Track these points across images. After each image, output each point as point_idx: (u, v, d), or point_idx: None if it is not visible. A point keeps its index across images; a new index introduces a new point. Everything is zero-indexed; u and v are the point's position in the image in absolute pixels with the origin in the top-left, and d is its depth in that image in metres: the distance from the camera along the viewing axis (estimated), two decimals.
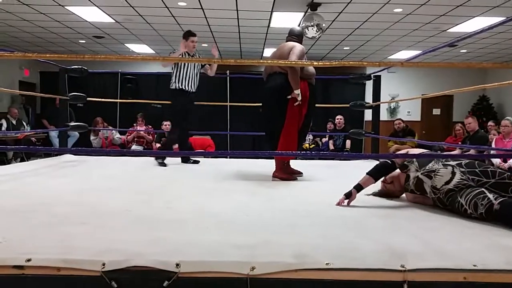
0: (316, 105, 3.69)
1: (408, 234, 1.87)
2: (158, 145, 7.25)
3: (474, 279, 1.48)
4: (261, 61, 3.17)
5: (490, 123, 6.40)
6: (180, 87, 4.33)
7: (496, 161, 4.74)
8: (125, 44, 10.01)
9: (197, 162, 4.41)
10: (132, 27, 8.29)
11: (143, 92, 9.24)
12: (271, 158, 5.16)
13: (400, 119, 7.41)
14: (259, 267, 1.47)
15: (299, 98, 3.29)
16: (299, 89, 3.30)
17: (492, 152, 4.53)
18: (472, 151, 4.76)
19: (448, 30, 8.07)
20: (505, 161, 4.65)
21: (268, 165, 3.94)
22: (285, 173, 3.48)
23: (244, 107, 6.29)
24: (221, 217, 2.14)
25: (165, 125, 7.09)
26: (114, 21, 7.82)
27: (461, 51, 10.03)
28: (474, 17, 7.13)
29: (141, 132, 7.32)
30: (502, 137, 4.91)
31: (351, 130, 5.18)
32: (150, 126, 7.50)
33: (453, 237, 1.85)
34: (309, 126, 3.70)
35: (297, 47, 3.44)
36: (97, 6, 6.91)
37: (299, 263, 1.50)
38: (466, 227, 2.01)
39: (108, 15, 7.42)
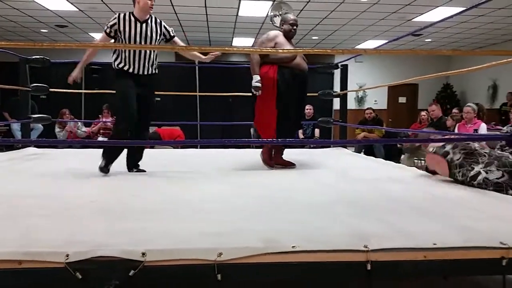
0: None
1: (373, 217, 1.92)
2: None
3: (434, 257, 1.54)
4: (218, 48, 3.14)
5: (455, 110, 6.61)
6: (122, 67, 3.17)
7: None
8: (89, 34, 9.73)
9: (143, 171, 3.31)
10: (97, 15, 8.05)
11: (109, 82, 9.01)
12: (242, 146, 5.19)
13: (370, 108, 7.55)
14: (226, 252, 1.48)
15: (254, 85, 3.35)
16: (257, 75, 3.35)
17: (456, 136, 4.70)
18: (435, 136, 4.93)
19: (413, 20, 8.26)
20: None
21: (239, 154, 3.96)
22: (269, 159, 3.51)
23: (214, 97, 6.25)
24: (190, 206, 2.14)
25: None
26: (77, 9, 7.58)
27: (426, 40, 10.30)
28: (437, 7, 7.33)
29: (107, 123, 7.15)
30: (465, 123, 5.09)
31: (320, 119, 5.24)
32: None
33: (415, 218, 1.91)
34: (290, 109, 3.46)
35: (265, 35, 3.50)
36: None
37: (266, 247, 1.51)
38: (428, 209, 2.08)
39: (71, 3, 7.18)
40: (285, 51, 3.02)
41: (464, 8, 7.29)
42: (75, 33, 9.65)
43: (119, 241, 1.56)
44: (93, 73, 9.30)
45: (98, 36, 9.89)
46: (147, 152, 4.51)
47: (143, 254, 1.46)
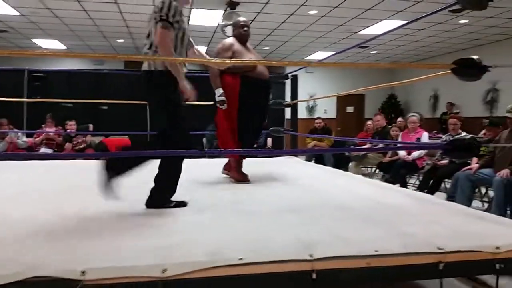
0: None
1: (319, 226, 1.95)
2: (69, 145, 6.75)
3: (376, 263, 1.59)
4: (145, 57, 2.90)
5: (400, 119, 6.90)
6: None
7: (402, 153, 5.15)
8: (32, 40, 9.28)
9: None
10: (40, 20, 7.70)
11: (54, 91, 8.61)
12: (196, 157, 5.10)
13: (319, 117, 7.73)
14: (171, 268, 1.45)
15: (218, 99, 3.24)
16: (220, 88, 3.24)
17: (399, 145, 4.92)
18: (380, 145, 5.14)
19: (359, 32, 8.59)
20: (409, 154, 5.07)
21: (192, 164, 3.89)
22: (240, 174, 3.38)
23: None
24: (135, 220, 2.08)
25: (70, 125, 6.69)
26: (19, 13, 7.21)
27: (372, 52, 10.75)
28: (382, 20, 7.67)
29: (50, 134, 6.81)
30: (408, 132, 5.33)
31: (271, 128, 5.29)
32: (61, 127, 7.01)
33: (359, 226, 1.96)
34: (253, 120, 3.36)
35: (220, 44, 3.41)
36: None
37: (212, 261, 1.49)
38: (370, 217, 2.15)
39: (12, 7, 6.82)
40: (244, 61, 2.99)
41: (405, 22, 7.67)
42: (16, 38, 9.18)
43: (58, 259, 1.48)
44: (35, 81, 8.85)
45: (42, 42, 9.53)
46: (93, 163, 4.34)
47: (83, 272, 1.40)
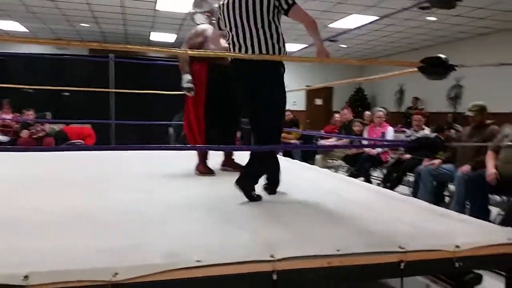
0: None
1: (279, 223, 1.91)
2: (26, 133, 6.41)
3: (338, 263, 1.56)
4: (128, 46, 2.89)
5: (367, 112, 6.94)
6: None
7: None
8: None
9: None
10: None
11: (13, 76, 8.19)
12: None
13: (288, 109, 7.70)
14: (123, 272, 1.36)
15: (185, 85, 3.14)
16: (188, 74, 3.14)
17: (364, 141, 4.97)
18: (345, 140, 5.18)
19: (329, 26, 8.59)
20: (373, 148, 5.13)
21: (156, 156, 3.77)
22: (203, 167, 3.28)
23: (130, 95, 5.94)
24: (86, 218, 1.95)
25: (28, 114, 6.36)
26: None
27: (341, 45, 10.79)
28: (351, 14, 7.69)
29: (7, 120, 6.47)
30: (374, 126, 5.38)
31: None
32: (18, 114, 6.67)
33: (321, 223, 1.93)
34: (222, 111, 3.24)
35: (192, 30, 3.30)
36: None
37: (168, 264, 1.42)
38: (333, 214, 2.12)
39: None
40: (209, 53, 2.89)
41: (376, 18, 7.74)
42: None
43: None
44: None
45: (1, 23, 9.03)
46: (52, 153, 4.11)
47: (25, 277, 1.29)
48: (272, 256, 1.50)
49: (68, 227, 1.80)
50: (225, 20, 2.42)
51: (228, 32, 2.44)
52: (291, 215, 2.07)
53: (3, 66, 8.31)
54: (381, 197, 2.55)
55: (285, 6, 2.32)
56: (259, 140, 2.46)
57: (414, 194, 3.91)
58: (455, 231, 1.86)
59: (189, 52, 3.15)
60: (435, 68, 2.19)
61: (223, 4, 2.44)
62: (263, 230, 1.79)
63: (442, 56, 2.19)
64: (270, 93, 2.35)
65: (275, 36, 2.34)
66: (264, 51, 2.32)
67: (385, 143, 4.25)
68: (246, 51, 2.34)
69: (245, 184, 2.35)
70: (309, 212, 2.14)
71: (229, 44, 2.48)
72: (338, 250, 1.57)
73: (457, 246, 1.68)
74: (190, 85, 3.13)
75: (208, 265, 1.44)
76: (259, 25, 2.31)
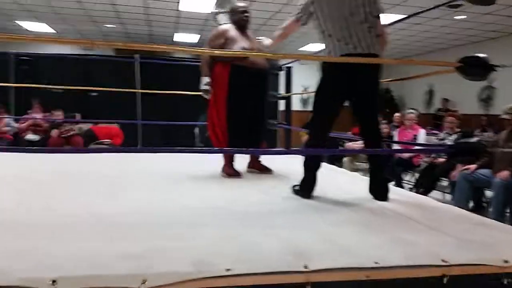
0: None
1: (311, 230, 1.82)
2: (56, 132, 6.53)
3: (376, 276, 1.46)
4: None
5: (397, 114, 6.74)
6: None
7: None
8: (16, 21, 8.96)
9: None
10: (25, 1, 7.41)
11: (42, 76, 8.36)
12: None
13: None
14: (152, 279, 1.30)
15: (202, 88, 3.11)
16: (206, 77, 3.11)
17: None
18: None
19: None
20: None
21: (183, 158, 3.72)
22: (229, 169, 3.23)
23: (156, 95, 5.97)
24: (112, 220, 1.91)
25: (56, 115, 6.46)
26: None
27: None
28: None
29: (38, 119, 6.60)
30: (405, 128, 5.22)
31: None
32: (48, 114, 6.79)
33: (355, 233, 1.83)
34: (245, 114, 3.17)
35: (214, 30, 3.25)
36: None
37: (197, 272, 1.35)
38: (368, 222, 2.02)
39: None
40: (229, 53, 2.85)
41: (403, 16, 7.55)
42: None
43: (21, 266, 1.33)
44: (23, 65, 8.57)
45: (27, 25, 9.21)
46: (77, 154, 4.13)
47: (54, 282, 1.25)
48: (305, 267, 1.41)
49: (94, 230, 1.77)
50: (326, 15, 2.37)
51: (332, 28, 2.38)
52: (323, 222, 1.98)
53: (32, 67, 8.50)
54: (416, 203, 2.42)
55: (377, 13, 2.41)
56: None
57: (453, 201, 3.75)
58: (502, 243, 1.73)
59: (213, 52, 3.10)
60: (474, 68, 2.07)
61: None
62: (294, 238, 1.71)
63: (482, 55, 2.07)
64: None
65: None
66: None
67: (420, 147, 4.09)
68: (367, 48, 2.35)
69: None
70: (342, 220, 2.04)
71: (332, 40, 2.40)
72: (376, 263, 1.47)
73: (506, 261, 1.55)
74: (207, 87, 3.09)
75: (238, 274, 1.37)
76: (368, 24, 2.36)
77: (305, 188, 2.47)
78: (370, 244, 1.65)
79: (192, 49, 2.05)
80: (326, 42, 2.42)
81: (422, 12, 2.55)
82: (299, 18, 2.50)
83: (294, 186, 2.55)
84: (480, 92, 9.21)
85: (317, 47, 10.56)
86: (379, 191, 2.44)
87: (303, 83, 11.27)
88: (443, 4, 2.30)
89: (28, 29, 9.58)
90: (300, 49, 11.07)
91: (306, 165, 2.48)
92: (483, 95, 9.18)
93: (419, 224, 2.00)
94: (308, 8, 2.43)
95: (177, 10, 7.74)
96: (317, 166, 2.49)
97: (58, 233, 1.70)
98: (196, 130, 7.08)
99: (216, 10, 6.32)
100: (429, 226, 1.96)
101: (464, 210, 2.38)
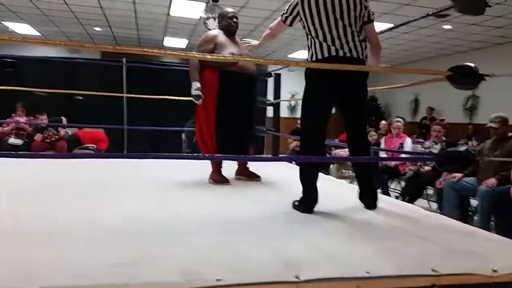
0: None
1: (301, 239, 1.80)
2: (39, 136, 6.40)
3: (368, 286, 1.45)
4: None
5: (383, 122, 6.79)
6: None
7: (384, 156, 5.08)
8: (2, 22, 8.82)
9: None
10: (11, 2, 7.30)
11: (26, 79, 8.22)
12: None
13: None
14: None
15: (194, 93, 3.06)
16: (197, 82, 3.07)
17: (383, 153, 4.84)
18: None
19: None
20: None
21: (171, 164, 3.67)
22: (217, 176, 3.19)
23: (143, 99, 5.91)
24: (100, 227, 1.87)
25: (41, 119, 6.34)
26: None
27: None
28: None
29: (21, 123, 6.46)
30: (391, 137, 5.25)
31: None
32: (32, 117, 6.66)
33: (346, 242, 1.82)
34: (235, 119, 3.15)
35: (203, 35, 3.23)
36: None
37: (186, 282, 1.32)
38: (358, 231, 2.01)
39: None
40: (220, 58, 2.83)
41: (391, 25, 7.63)
42: None
43: (6, 274, 1.29)
44: (6, 67, 8.42)
45: (14, 26, 9.08)
46: (62, 160, 4.06)
47: None
48: (297, 277, 1.40)
49: (79, 237, 1.72)
50: (312, 16, 2.33)
51: (316, 30, 2.34)
52: (312, 231, 1.97)
53: (16, 69, 8.35)
54: (404, 212, 2.43)
55: (366, 19, 2.38)
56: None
57: (440, 209, 3.78)
58: (490, 252, 1.74)
59: (205, 57, 3.07)
60: (465, 77, 2.09)
61: None
62: (284, 247, 1.69)
63: (472, 64, 2.09)
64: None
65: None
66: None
67: (406, 155, 4.12)
68: (349, 52, 2.30)
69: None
70: (332, 229, 2.03)
71: (315, 42, 2.36)
72: (368, 272, 1.46)
73: (494, 270, 1.55)
74: (199, 92, 3.05)
75: (229, 284, 1.35)
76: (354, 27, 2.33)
77: (305, 203, 2.33)
78: (361, 254, 1.65)
79: (184, 54, 2.02)
80: (310, 44, 2.39)
81: (410, 22, 2.57)
82: (285, 18, 2.51)
83: (294, 201, 2.40)
84: (464, 101, 9.36)
85: (306, 53, 10.63)
86: (369, 199, 2.41)
87: (291, 89, 11.31)
88: (432, 14, 2.32)
89: (16, 30, 9.43)
90: (290, 55, 11.13)
91: (302, 178, 2.38)
92: (467, 104, 9.33)
93: (408, 233, 2.00)
94: (294, 9, 2.42)
95: (168, 15, 7.71)
96: (314, 178, 2.36)
97: (41, 240, 1.65)
98: (183, 135, 7.03)
99: (206, 16, 6.34)
100: (418, 235, 1.96)
101: (452, 219, 2.39)
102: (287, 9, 2.48)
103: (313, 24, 2.33)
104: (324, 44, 2.30)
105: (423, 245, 1.80)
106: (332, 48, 2.29)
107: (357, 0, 2.32)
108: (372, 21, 2.41)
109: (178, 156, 2.67)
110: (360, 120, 2.47)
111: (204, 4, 6.84)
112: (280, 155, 5.36)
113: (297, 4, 2.40)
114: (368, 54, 2.44)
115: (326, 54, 2.30)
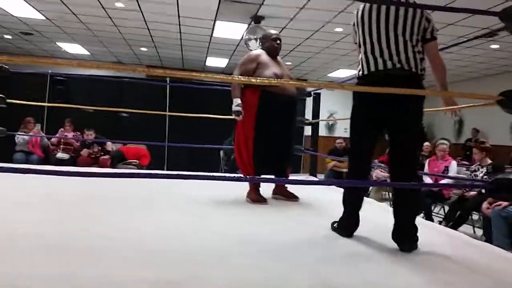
0: None
1: (341, 264, 1.77)
2: (86, 152, 6.69)
3: None
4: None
5: (426, 144, 6.57)
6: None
7: (429, 181, 4.92)
8: (56, 43, 9.38)
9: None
10: (65, 25, 7.77)
11: (75, 95, 8.66)
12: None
13: (341, 138, 7.52)
14: None
15: (235, 109, 3.11)
16: (238, 99, 3.12)
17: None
18: None
19: None
20: (436, 181, 4.82)
21: (210, 182, 3.72)
22: (255, 195, 3.20)
23: (184, 117, 6.07)
24: (139, 244, 1.91)
25: (88, 134, 6.62)
26: (44, 17, 7.27)
27: None
28: None
29: (69, 138, 6.77)
30: (436, 159, 5.08)
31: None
32: (79, 133, 6.98)
33: (389, 268, 1.77)
34: (273, 139, 3.16)
35: (246, 55, 3.30)
36: (25, 1, 6.37)
37: None
38: (401, 256, 1.95)
39: (38, 10, 6.88)
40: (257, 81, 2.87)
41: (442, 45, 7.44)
42: (41, 41, 9.28)
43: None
44: (57, 84, 8.91)
45: (66, 46, 9.62)
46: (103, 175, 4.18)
47: None
48: None
49: (120, 254, 1.76)
50: (362, 29, 2.15)
51: (365, 41, 2.15)
52: (354, 256, 1.92)
53: (65, 87, 8.81)
54: (451, 240, 2.33)
55: (428, 36, 2.10)
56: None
57: (487, 238, 3.61)
58: None
59: (239, 79, 3.12)
60: None
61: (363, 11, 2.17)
62: (326, 272, 1.66)
63: None
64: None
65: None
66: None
67: (457, 182, 3.95)
68: (399, 62, 2.05)
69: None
70: (374, 253, 1.98)
71: (362, 55, 2.18)
72: None
73: None
74: (239, 108, 3.10)
75: None
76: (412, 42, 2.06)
77: (343, 227, 2.23)
78: (405, 282, 1.59)
79: (230, 78, 2.07)
80: (359, 58, 2.19)
81: (463, 42, 2.52)
82: (354, 41, 2.33)
83: (333, 223, 2.33)
84: None
85: (347, 72, 10.57)
86: (402, 240, 2.04)
87: (330, 108, 11.26)
88: (485, 35, 2.24)
89: (67, 50, 9.99)
90: (330, 74, 11.10)
91: (344, 201, 2.25)
92: None
93: (453, 262, 1.91)
94: (354, 29, 2.27)
95: (211, 36, 7.95)
96: (356, 203, 2.20)
97: (82, 256, 1.69)
98: (221, 152, 7.13)
99: (247, 37, 6.47)
100: (464, 265, 1.88)
101: (500, 248, 2.27)
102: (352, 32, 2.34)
103: (363, 35, 2.15)
104: (371, 57, 2.10)
105: (470, 276, 1.72)
106: (380, 60, 2.07)
107: (415, 12, 2.06)
108: (436, 38, 2.13)
109: (217, 177, 2.71)
110: (405, 151, 2.10)
111: (245, 26, 7.00)
112: (318, 175, 5.31)
113: (353, 24, 2.26)
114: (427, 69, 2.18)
115: (372, 68, 2.09)
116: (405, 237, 2.03)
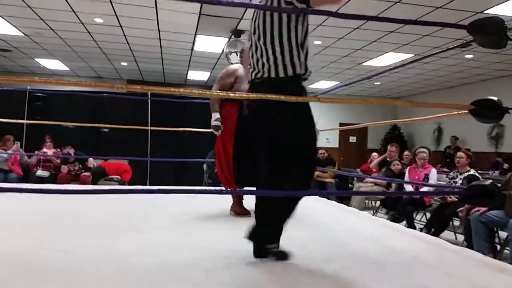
0: None
1: (325, 274, 1.78)
2: (65, 168, 6.59)
3: None
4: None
5: (406, 152, 6.66)
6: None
7: (409, 188, 4.99)
8: (35, 59, 9.28)
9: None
10: (43, 41, 7.70)
11: (54, 112, 8.54)
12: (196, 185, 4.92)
13: (323, 148, 7.57)
14: None
15: (214, 123, 3.13)
16: (217, 113, 3.15)
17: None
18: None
19: (363, 64, 8.57)
20: (416, 189, 4.88)
21: (192, 196, 3.70)
22: (240, 207, 3.21)
23: (166, 132, 6.05)
24: (118, 262, 1.89)
25: (67, 151, 6.53)
26: (22, 34, 7.20)
27: (375, 83, 10.73)
28: (386, 52, 7.65)
29: (48, 155, 6.66)
30: (415, 167, 5.15)
31: None
32: (59, 150, 6.87)
33: (369, 275, 1.78)
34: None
35: (224, 69, 3.32)
36: (2, 17, 6.30)
37: None
38: (381, 264, 1.97)
39: (16, 27, 6.81)
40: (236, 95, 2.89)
41: (411, 55, 7.65)
42: (20, 58, 9.17)
43: None
44: (36, 101, 8.77)
45: (45, 62, 9.53)
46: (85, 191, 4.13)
47: None
48: None
49: (100, 273, 1.73)
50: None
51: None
52: (335, 264, 1.94)
53: (45, 103, 8.68)
54: (431, 246, 2.37)
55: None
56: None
57: (467, 243, 3.67)
58: None
59: (219, 94, 3.13)
60: (488, 111, 2.08)
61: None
62: (309, 280, 1.67)
63: (495, 98, 2.09)
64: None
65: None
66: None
67: (435, 189, 4.03)
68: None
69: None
70: (354, 262, 2.00)
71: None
72: None
73: None
74: (218, 123, 3.12)
75: None
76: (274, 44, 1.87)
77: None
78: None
79: (208, 93, 2.09)
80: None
81: (436, 53, 2.60)
82: None
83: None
84: (489, 129, 9.19)
85: (327, 84, 10.72)
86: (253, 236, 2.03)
87: None
88: (457, 46, 2.33)
89: (47, 66, 9.88)
90: (311, 86, 11.23)
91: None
92: (492, 133, 9.15)
93: (432, 268, 1.95)
94: None
95: (192, 49, 7.98)
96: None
97: (63, 277, 1.66)
98: (205, 166, 7.11)
99: (228, 50, 6.51)
100: (442, 270, 1.91)
101: (480, 254, 2.32)
102: None
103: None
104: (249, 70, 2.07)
105: (448, 282, 1.75)
106: (253, 72, 2.02)
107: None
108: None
109: (200, 191, 2.70)
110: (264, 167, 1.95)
111: (226, 39, 7.05)
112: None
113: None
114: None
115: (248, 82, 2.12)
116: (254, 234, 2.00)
